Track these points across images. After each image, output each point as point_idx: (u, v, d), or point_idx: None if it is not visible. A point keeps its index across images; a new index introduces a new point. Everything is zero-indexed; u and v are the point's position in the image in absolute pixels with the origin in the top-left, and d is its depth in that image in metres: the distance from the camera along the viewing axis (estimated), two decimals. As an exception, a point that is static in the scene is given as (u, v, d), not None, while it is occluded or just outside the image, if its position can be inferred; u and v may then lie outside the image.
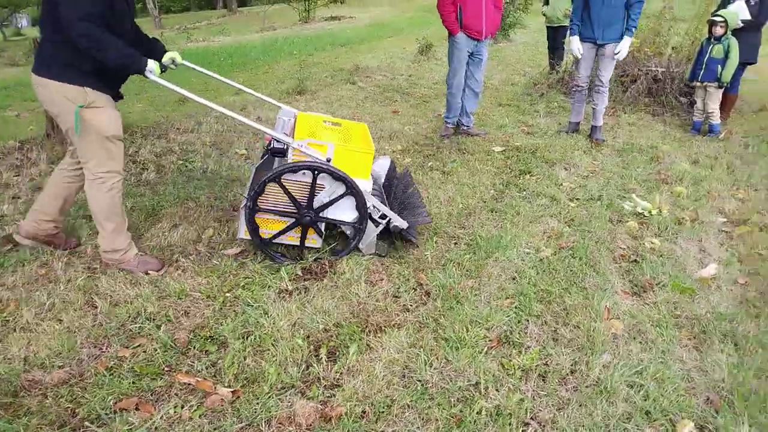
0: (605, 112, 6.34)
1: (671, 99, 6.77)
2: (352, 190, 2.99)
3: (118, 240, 2.93)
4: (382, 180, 3.68)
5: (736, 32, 5.61)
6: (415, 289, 2.87)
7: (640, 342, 2.50)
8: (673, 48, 7.24)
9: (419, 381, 2.20)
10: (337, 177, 2.95)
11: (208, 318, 2.57)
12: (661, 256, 3.25)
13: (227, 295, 2.76)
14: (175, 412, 2.03)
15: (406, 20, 19.15)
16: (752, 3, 5.65)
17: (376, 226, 3.16)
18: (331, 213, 3.08)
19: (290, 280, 2.87)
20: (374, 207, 3.13)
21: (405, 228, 3.18)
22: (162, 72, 2.96)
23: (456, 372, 2.25)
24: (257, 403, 2.06)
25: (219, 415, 2.02)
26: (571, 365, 2.32)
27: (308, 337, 2.45)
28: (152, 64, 2.73)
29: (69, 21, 2.45)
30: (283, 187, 2.93)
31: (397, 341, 2.42)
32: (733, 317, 2.67)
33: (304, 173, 2.95)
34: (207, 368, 2.26)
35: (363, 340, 2.43)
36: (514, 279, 3.00)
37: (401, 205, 3.54)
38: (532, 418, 2.05)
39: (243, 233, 3.07)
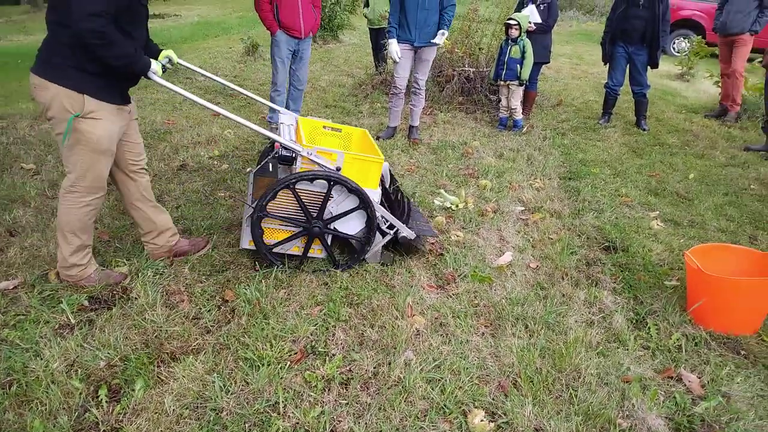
0: (424, 111, 6.64)
1: (482, 97, 7.25)
2: (363, 202, 2.93)
3: (79, 255, 2.72)
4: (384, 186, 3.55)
5: (530, 34, 6.14)
6: (220, 308, 2.70)
7: (441, 335, 2.58)
8: (480, 49, 7.76)
9: (213, 410, 2.05)
10: (350, 188, 2.89)
11: (-39, 370, 2.18)
12: (464, 247, 3.42)
13: (-9, 338, 2.38)
14: None
15: (236, 19, 18.50)
16: (541, 8, 6.23)
17: (383, 236, 3.10)
18: (339, 224, 3.00)
19: (73, 313, 2.55)
20: (382, 217, 3.04)
21: (413, 238, 3.12)
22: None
23: (254, 394, 2.14)
24: (14, 466, 1.78)
25: (-38, 489, 1.70)
26: (375, 368, 2.32)
27: (88, 377, 2.18)
28: (155, 65, 2.55)
29: (79, 15, 2.24)
30: (296, 195, 2.85)
31: (193, 369, 2.24)
32: (524, 300, 2.88)
33: (314, 183, 2.87)
34: (-47, 433, 1.90)
35: (153, 373, 2.22)
36: (326, 284, 2.95)
37: (403, 212, 3.38)
38: (331, 431, 2.00)
39: (247, 243, 2.97)
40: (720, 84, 7.38)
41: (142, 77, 2.56)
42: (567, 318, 2.76)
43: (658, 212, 4.15)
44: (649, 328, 2.70)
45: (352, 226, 3.03)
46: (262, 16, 5.24)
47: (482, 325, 2.69)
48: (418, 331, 2.59)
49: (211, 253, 3.18)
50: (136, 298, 2.71)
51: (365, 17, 9.33)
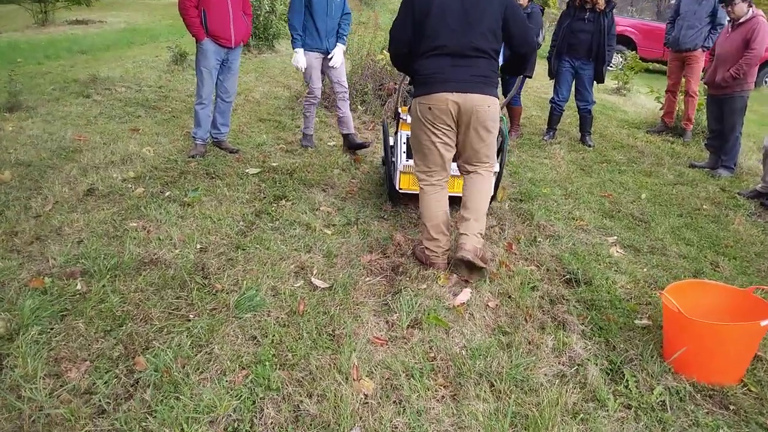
0: (366, 127, 6.27)
1: (426, 111, 6.95)
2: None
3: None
4: None
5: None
6: (119, 378, 2.18)
7: (395, 401, 2.16)
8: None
9: None
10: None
11: None
12: (415, 279, 3.04)
13: None
14: None
15: (165, 27, 17.58)
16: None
17: None
18: None
19: None
20: None
21: None
22: None
23: (156, 506, 1.65)
24: None
25: None
26: (314, 455, 1.88)
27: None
28: None
29: (533, 39, 3.21)
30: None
31: (76, 470, 1.73)
32: (487, 351, 2.50)
33: None
34: None
35: (18, 482, 1.69)
36: (254, 339, 2.48)
37: None
38: None
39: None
40: (663, 100, 7.37)
41: None
42: (536, 371, 2.40)
43: (615, 237, 3.91)
44: (627, 380, 2.37)
45: None
46: (188, 22, 4.72)
47: (441, 386, 2.29)
48: (366, 398, 2.16)
49: (111, 300, 2.65)
50: (12, 368, 2.15)
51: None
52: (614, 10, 6.06)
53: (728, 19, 5.51)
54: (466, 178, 3.27)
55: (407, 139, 3.96)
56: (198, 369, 2.22)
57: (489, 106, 3.02)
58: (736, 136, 5.56)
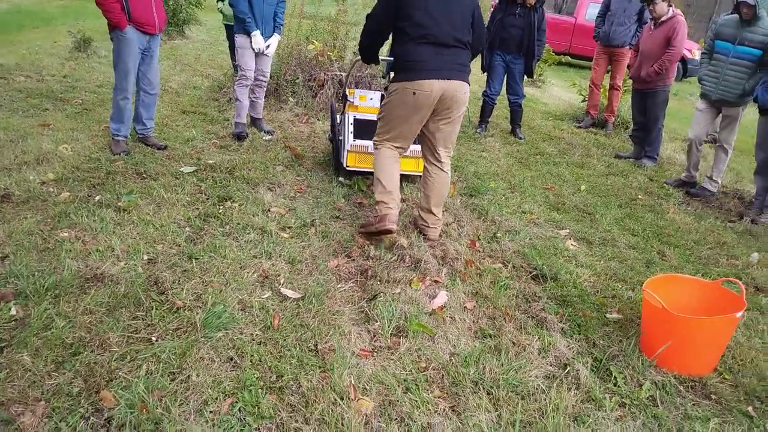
0: (300, 120, 6.06)
1: (359, 103, 6.80)
2: None
3: None
4: None
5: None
6: (88, 418, 1.90)
7: (397, 420, 2.05)
8: (354, 52, 7.31)
9: None
10: None
11: None
12: (387, 282, 2.92)
13: None
14: None
15: (58, 8, 16.10)
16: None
17: None
18: None
19: None
20: None
21: None
22: None
23: None
24: None
25: None
26: (327, 490, 1.73)
27: None
28: None
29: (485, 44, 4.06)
30: None
31: None
32: (477, 357, 2.44)
33: None
34: None
35: None
36: (231, 361, 2.26)
37: None
38: None
39: None
40: (584, 93, 7.66)
41: None
42: (527, 374, 2.37)
43: (567, 230, 4.00)
44: (615, 378, 2.40)
45: None
46: (107, 8, 4.24)
47: (439, 398, 2.20)
48: (367, 418, 2.02)
49: (57, 326, 2.32)
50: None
51: (220, 12, 8.37)
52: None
53: (650, 17, 5.78)
54: (432, 171, 3.47)
55: (354, 120, 4.33)
56: (177, 401, 1.99)
57: (465, 93, 3.24)
58: (659, 128, 5.89)
